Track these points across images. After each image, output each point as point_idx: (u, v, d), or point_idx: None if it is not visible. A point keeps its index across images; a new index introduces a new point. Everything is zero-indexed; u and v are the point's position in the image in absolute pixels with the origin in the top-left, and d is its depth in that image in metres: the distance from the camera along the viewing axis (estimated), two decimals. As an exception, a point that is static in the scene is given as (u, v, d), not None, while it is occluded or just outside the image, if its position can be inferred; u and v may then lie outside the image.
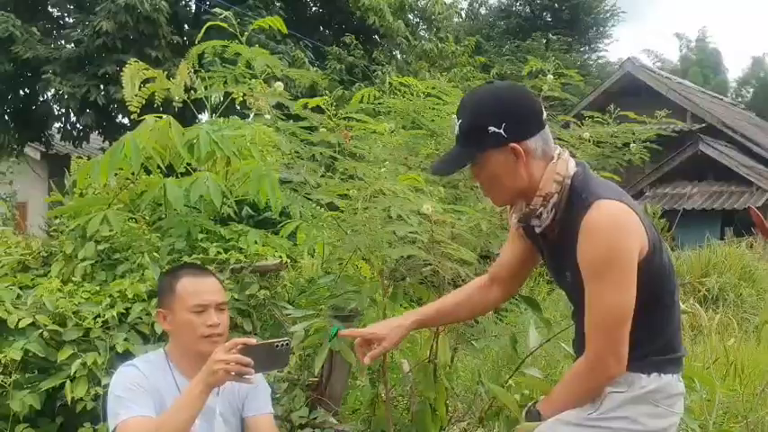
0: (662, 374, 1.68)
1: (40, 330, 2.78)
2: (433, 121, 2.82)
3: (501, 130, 1.61)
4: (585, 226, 1.59)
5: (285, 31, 3.22)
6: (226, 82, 2.95)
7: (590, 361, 1.65)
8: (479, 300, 1.95)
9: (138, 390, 1.98)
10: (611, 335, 1.61)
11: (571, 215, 1.64)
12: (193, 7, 12.48)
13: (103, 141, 12.01)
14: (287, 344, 1.89)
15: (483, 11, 22.48)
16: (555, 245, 1.73)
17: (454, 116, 1.72)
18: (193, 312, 2.03)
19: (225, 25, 2.94)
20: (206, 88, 3.40)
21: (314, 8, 14.25)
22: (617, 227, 1.59)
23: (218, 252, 3.03)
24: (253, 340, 1.90)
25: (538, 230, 1.73)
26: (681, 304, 1.81)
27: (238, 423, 2.16)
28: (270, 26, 3.14)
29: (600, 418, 1.68)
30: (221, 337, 2.05)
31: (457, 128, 1.69)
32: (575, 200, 1.65)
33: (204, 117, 4.72)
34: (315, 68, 11.05)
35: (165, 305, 2.09)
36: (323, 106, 2.74)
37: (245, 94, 2.82)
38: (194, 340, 2.04)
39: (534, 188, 1.66)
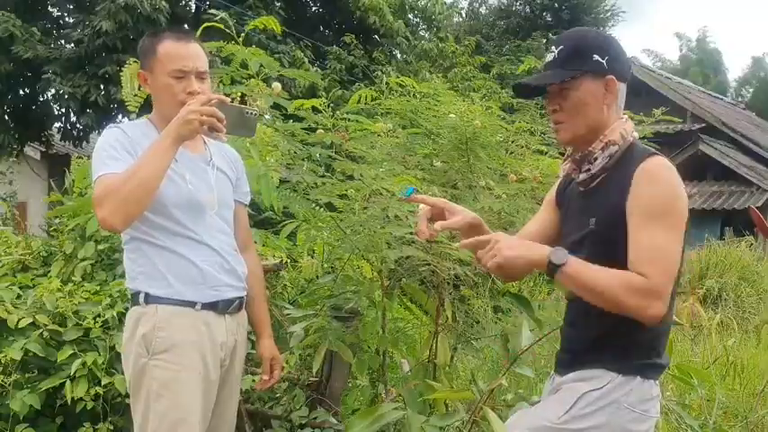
0: (639, 378, 1.66)
1: (40, 330, 2.79)
2: (428, 120, 2.81)
3: (603, 61, 1.68)
4: (647, 170, 1.62)
5: (279, 30, 3.21)
6: (222, 82, 2.94)
7: (647, 286, 1.53)
8: None
9: (119, 148, 1.95)
10: (668, 272, 1.56)
11: (623, 166, 1.68)
12: (193, 7, 12.48)
13: (103, 141, 11.98)
14: (255, 113, 1.93)
15: (483, 11, 22.45)
16: (590, 193, 1.74)
17: (552, 46, 1.74)
18: (173, 77, 1.98)
19: (221, 26, 2.93)
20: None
21: (314, 8, 14.25)
22: (677, 182, 1.63)
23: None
24: (228, 99, 1.89)
25: (579, 178, 1.74)
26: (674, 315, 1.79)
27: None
28: (270, 26, 3.12)
29: (572, 428, 1.64)
30: None
31: (554, 54, 1.71)
32: (631, 154, 1.70)
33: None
34: (315, 68, 11.04)
35: (146, 67, 2.04)
36: (319, 107, 2.73)
37: (243, 94, 2.82)
38: (173, 106, 1.97)
39: (601, 131, 1.71)
